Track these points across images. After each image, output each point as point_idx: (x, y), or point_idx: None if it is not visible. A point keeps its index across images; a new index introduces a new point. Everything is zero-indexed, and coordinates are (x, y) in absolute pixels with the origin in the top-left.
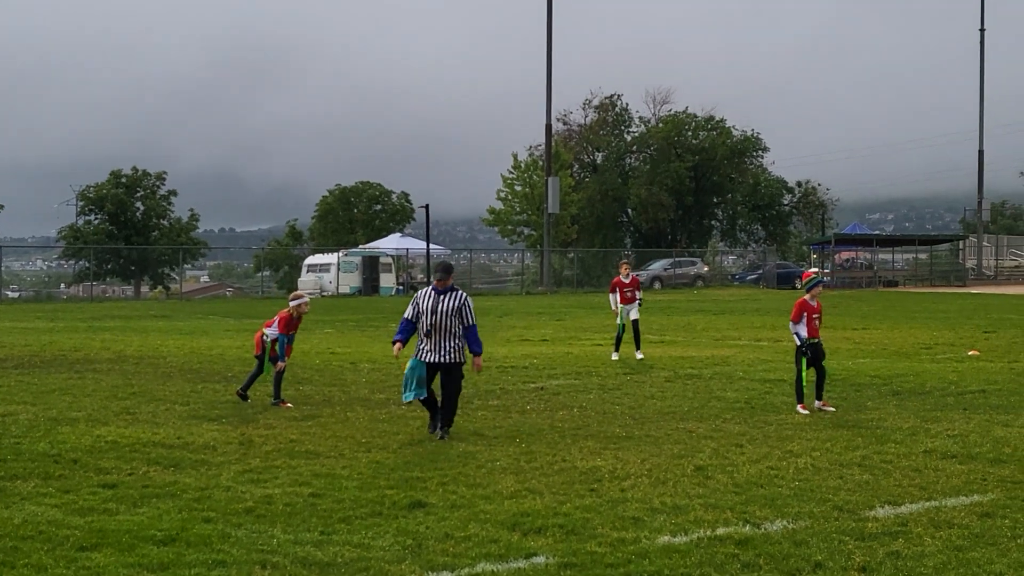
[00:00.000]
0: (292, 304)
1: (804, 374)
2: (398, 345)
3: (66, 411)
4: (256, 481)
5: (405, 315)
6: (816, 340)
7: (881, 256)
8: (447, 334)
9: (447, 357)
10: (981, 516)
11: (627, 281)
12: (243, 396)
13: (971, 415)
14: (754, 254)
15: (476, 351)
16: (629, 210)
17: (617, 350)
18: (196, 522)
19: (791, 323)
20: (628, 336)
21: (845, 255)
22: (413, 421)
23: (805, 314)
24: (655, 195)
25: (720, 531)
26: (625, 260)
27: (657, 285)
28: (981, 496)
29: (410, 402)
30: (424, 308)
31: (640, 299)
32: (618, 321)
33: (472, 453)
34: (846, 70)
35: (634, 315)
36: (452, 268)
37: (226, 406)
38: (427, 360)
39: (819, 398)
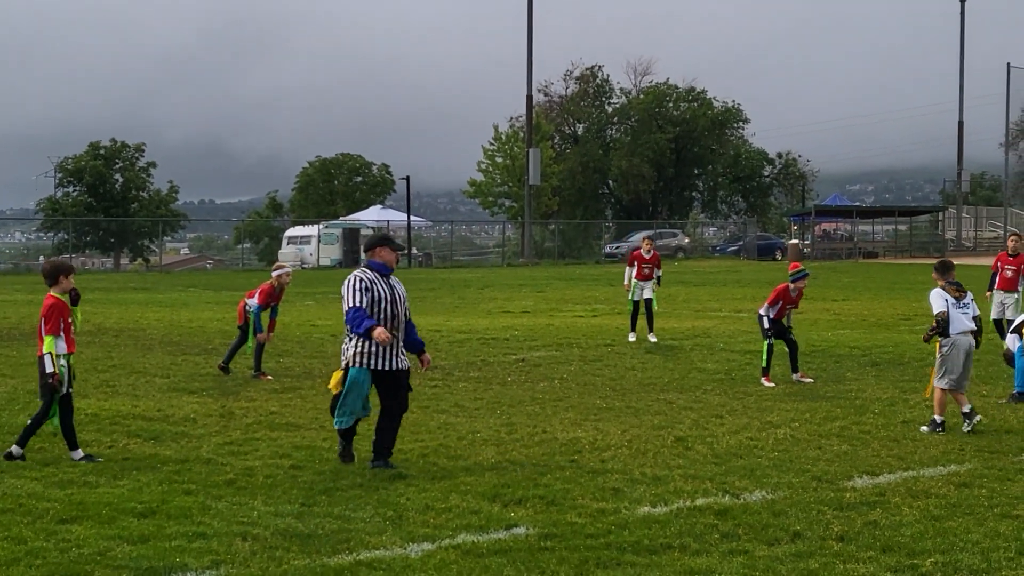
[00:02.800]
0: (274, 275)
1: (765, 348)
2: (381, 328)
3: None
4: (237, 453)
5: (358, 303)
6: (778, 320)
7: (861, 227)
8: (401, 331)
9: (402, 362)
10: (958, 486)
11: (647, 257)
12: (225, 370)
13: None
14: (735, 225)
15: (422, 346)
16: (610, 181)
17: (633, 329)
18: (176, 494)
19: (765, 305)
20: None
21: (825, 226)
22: None
23: (781, 302)
24: (636, 166)
25: (700, 501)
26: (648, 236)
27: None
28: (958, 466)
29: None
30: (382, 296)
31: (659, 276)
32: (630, 297)
33: (453, 425)
34: (827, 41)
35: (647, 294)
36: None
37: (206, 379)
38: (380, 367)
39: (795, 370)
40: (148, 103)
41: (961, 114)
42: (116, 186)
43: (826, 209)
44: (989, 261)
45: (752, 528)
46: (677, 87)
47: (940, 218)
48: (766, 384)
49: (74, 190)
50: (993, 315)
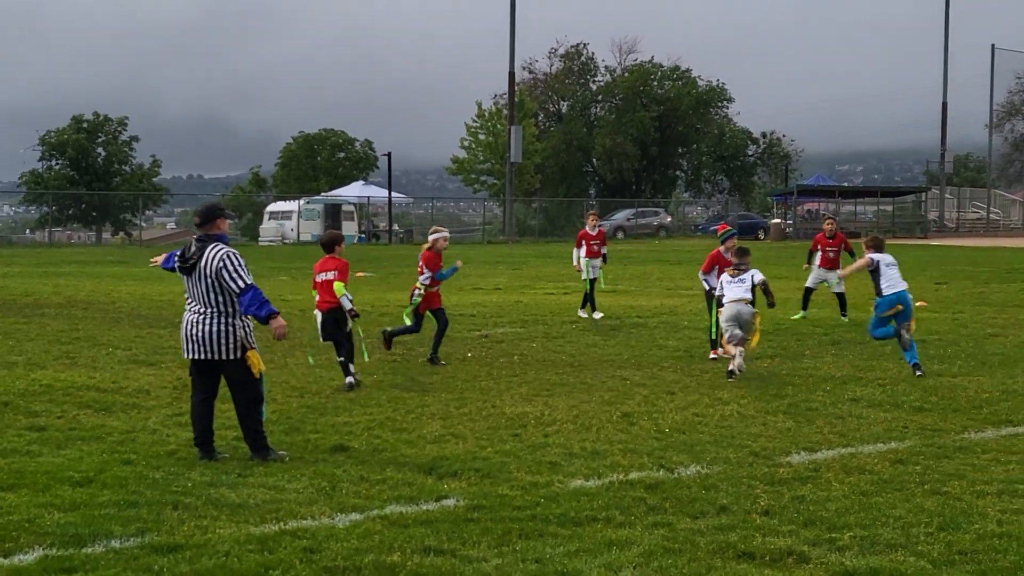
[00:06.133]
0: (431, 238)
1: (714, 320)
2: (281, 320)
3: (6, 355)
4: (183, 425)
5: (251, 281)
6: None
7: (846, 208)
8: None
9: None
10: (894, 463)
11: (593, 233)
12: (434, 360)
13: (906, 364)
14: (718, 204)
15: None
16: (594, 160)
17: (583, 307)
18: (115, 464)
19: (700, 272)
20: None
21: (808, 206)
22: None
23: (717, 266)
24: (620, 145)
25: (633, 476)
26: (593, 211)
27: (620, 235)
28: (898, 443)
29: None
30: None
31: (605, 254)
32: (584, 277)
33: (403, 399)
34: (816, 21)
35: (594, 273)
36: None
37: (167, 352)
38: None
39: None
40: (146, 76)
41: (945, 95)
42: (99, 160)
43: (809, 189)
44: (971, 242)
45: (680, 502)
46: (662, 66)
47: (923, 199)
48: (718, 355)
49: (57, 164)
50: (809, 283)
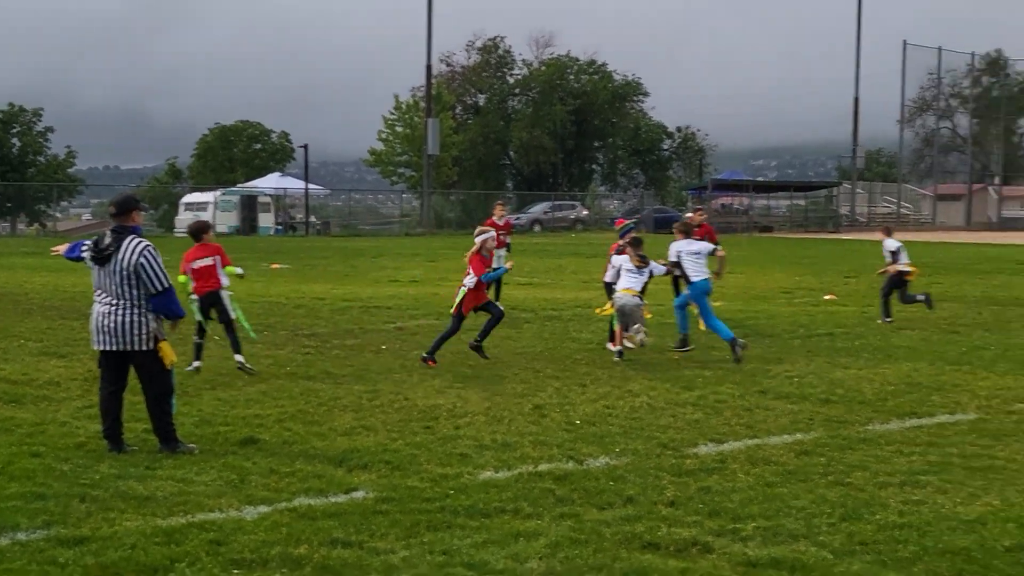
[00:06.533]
0: (478, 240)
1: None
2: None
3: None
4: (92, 417)
5: (169, 284)
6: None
7: (761, 202)
8: None
9: None
10: (799, 454)
11: (501, 224)
12: (478, 350)
13: (813, 357)
14: (634, 198)
15: None
16: (511, 153)
17: (497, 298)
18: (24, 456)
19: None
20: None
21: (722, 200)
22: (264, 360)
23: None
24: (537, 138)
25: (543, 467)
26: (501, 201)
27: (537, 228)
28: (804, 435)
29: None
30: None
31: (508, 244)
32: (492, 266)
33: (316, 391)
34: (732, 16)
35: (501, 263)
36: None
37: (79, 343)
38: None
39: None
40: (65, 68)
41: (857, 91)
42: (13, 151)
43: (723, 183)
44: (881, 236)
45: (588, 493)
46: (578, 60)
47: (835, 193)
48: (615, 347)
49: None
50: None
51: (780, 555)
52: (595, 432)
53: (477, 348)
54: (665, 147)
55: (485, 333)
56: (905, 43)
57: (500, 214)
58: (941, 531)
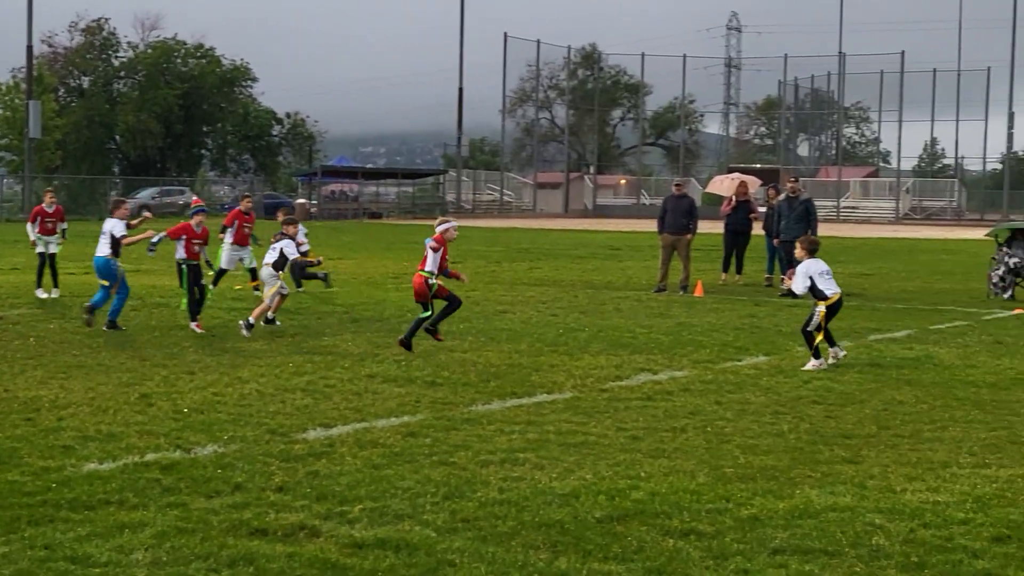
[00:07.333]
0: (439, 229)
1: (188, 295)
2: None
3: None
4: None
5: None
6: (195, 263)
7: (371, 189)
8: None
9: None
10: (406, 436)
11: (50, 211)
12: (432, 333)
13: (419, 342)
14: (244, 184)
15: None
16: (117, 137)
17: (40, 285)
18: None
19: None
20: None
21: (333, 187)
22: None
23: (185, 236)
24: (143, 122)
25: (149, 457)
26: (49, 189)
27: (146, 213)
28: (411, 417)
29: None
30: None
31: (64, 230)
32: (36, 251)
33: None
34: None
35: (52, 248)
36: None
37: None
38: None
39: (193, 319)
40: None
41: (461, 81)
42: None
43: (333, 170)
44: (486, 223)
45: (195, 481)
46: (185, 43)
47: (442, 181)
48: (197, 330)
49: None
50: (224, 264)
51: (386, 535)
52: (203, 420)
53: (407, 345)
54: (275, 133)
55: (414, 330)
56: (506, 35)
57: (50, 200)
58: (538, 505)
